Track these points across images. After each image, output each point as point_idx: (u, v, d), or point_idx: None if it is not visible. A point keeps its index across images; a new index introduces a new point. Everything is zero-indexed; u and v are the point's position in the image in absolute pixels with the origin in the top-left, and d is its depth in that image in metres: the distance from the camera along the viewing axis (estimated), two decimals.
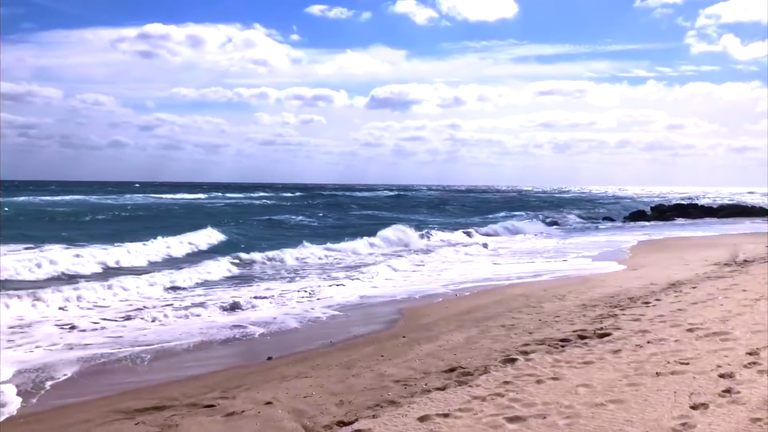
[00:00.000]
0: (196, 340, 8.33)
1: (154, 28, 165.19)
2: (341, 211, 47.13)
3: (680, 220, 37.93)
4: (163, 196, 63.05)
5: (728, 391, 4.87)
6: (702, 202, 55.19)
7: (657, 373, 5.46)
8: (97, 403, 5.96)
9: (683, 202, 52.41)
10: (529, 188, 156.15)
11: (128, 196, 61.83)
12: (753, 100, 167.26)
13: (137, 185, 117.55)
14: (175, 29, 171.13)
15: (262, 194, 77.07)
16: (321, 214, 40.81)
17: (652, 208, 43.83)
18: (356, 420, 4.87)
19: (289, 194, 79.60)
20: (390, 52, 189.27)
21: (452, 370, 6.11)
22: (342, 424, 4.84)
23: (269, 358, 7.41)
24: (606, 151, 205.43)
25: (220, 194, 72.13)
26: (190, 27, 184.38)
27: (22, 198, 50.76)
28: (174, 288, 12.63)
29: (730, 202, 52.15)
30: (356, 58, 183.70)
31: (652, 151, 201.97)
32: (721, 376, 5.24)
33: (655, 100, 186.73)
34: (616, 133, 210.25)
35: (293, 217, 37.71)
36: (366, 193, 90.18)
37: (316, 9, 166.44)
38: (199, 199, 61.43)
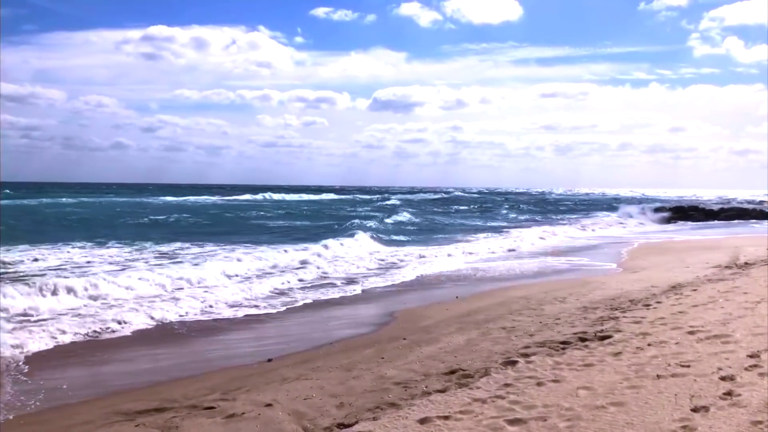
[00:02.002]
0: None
1: (159, 30, 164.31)
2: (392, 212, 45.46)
3: (690, 223, 37.72)
4: (211, 198, 62.49)
5: (729, 393, 4.87)
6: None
7: (658, 375, 5.46)
8: (97, 404, 5.96)
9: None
10: (541, 190, 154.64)
11: (180, 198, 60.22)
12: (755, 103, 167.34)
13: (151, 187, 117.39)
14: (180, 31, 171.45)
15: (320, 197, 74.42)
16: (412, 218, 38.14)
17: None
18: (356, 422, 4.87)
19: (335, 197, 77.62)
20: (391, 55, 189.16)
21: (453, 372, 6.11)
22: (342, 426, 4.84)
23: (269, 360, 7.41)
24: (608, 153, 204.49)
25: (274, 197, 70.33)
26: (194, 29, 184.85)
27: (81, 199, 50.82)
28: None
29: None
30: (359, 61, 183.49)
31: (653, 153, 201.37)
32: (722, 378, 5.24)
33: (657, 102, 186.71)
34: (617, 135, 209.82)
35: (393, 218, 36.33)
36: (409, 196, 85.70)
37: (320, 11, 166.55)
38: (249, 201, 60.01)
